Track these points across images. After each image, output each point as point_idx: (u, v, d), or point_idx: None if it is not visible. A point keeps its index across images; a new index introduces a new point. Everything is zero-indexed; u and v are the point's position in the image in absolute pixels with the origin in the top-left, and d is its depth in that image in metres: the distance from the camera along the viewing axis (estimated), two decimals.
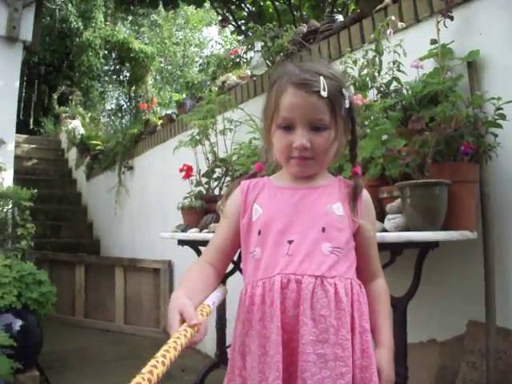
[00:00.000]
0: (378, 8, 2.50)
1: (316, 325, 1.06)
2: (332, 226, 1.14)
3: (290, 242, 1.12)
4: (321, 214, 1.15)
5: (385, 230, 1.69)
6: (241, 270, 2.38)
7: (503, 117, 1.70)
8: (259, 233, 1.16)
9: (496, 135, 1.75)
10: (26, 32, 4.88)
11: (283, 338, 1.06)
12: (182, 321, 0.93)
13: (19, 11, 4.76)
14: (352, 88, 2.10)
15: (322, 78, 1.11)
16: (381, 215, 1.74)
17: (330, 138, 1.14)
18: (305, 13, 7.12)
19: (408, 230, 1.62)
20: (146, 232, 5.18)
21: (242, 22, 7.68)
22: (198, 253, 2.62)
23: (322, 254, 1.11)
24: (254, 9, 7.44)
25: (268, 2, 7.42)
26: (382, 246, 1.54)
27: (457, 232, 1.61)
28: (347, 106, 1.16)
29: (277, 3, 7.20)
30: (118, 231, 6.02)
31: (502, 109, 1.71)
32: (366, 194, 1.25)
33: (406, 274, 1.78)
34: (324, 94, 1.10)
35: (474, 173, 1.74)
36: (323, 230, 1.13)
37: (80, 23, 12.19)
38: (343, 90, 1.16)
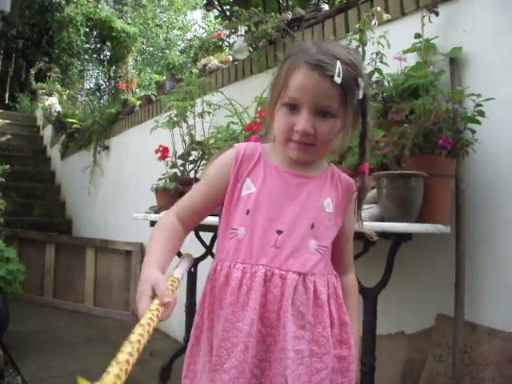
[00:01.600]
0: None
1: (294, 321, 1.05)
2: (321, 224, 1.12)
3: (279, 232, 1.08)
4: (312, 209, 1.12)
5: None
6: (213, 255, 2.39)
7: (482, 114, 1.71)
8: (247, 212, 1.10)
9: (474, 131, 1.76)
10: (4, 2, 4.75)
11: (261, 332, 1.05)
12: (153, 296, 0.89)
13: None
14: None
15: (338, 62, 1.02)
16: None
17: (335, 127, 1.07)
18: (290, 2, 7.10)
19: (382, 220, 1.63)
20: (120, 213, 5.13)
21: (227, 7, 7.62)
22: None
23: (308, 251, 1.09)
24: None
25: None
26: (356, 236, 1.54)
27: (431, 225, 1.62)
28: (360, 96, 1.08)
29: None
30: (91, 211, 5.95)
31: (481, 105, 1.72)
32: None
33: (378, 264, 1.78)
34: (338, 80, 1.01)
35: (450, 167, 1.75)
36: (312, 226, 1.10)
37: None
38: (359, 79, 1.07)
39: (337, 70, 1.02)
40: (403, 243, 1.78)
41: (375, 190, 1.67)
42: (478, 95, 1.71)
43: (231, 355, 1.03)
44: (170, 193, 2.68)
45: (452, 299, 1.87)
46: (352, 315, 1.19)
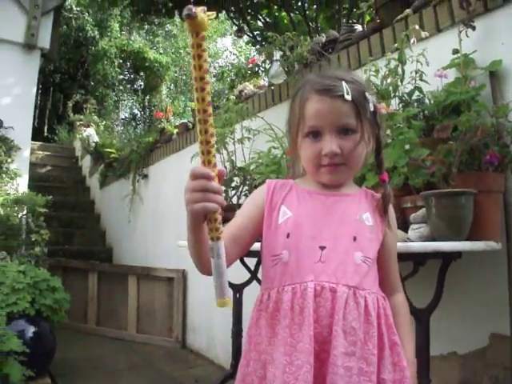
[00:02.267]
0: (398, 18, 2.49)
1: (346, 337, 1.03)
2: (363, 236, 1.13)
3: (322, 247, 1.09)
4: (352, 222, 1.14)
5: (408, 240, 1.66)
6: (258, 280, 2.38)
7: None
8: (288, 236, 1.12)
9: None
10: (44, 39, 4.95)
11: (315, 348, 1.03)
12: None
13: (38, 19, 4.84)
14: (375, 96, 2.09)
15: (343, 82, 1.10)
16: (403, 225, 1.73)
17: (358, 141, 1.12)
18: (319, 24, 7.15)
19: (432, 239, 1.60)
20: (160, 241, 5.18)
21: (257, 32, 7.73)
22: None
23: (354, 263, 1.09)
24: (269, 19, 7.48)
25: (283, 13, 7.46)
26: (406, 257, 1.53)
27: (482, 242, 1.59)
28: (372, 109, 1.14)
29: (292, 14, 7.23)
30: (131, 239, 6.02)
31: None
32: (390, 207, 1.23)
33: (428, 284, 1.76)
34: (348, 97, 1.08)
35: (499, 183, 1.72)
36: (354, 238, 1.11)
37: (96, 32, 12.33)
38: (366, 93, 1.13)
39: (344, 90, 1.09)
40: (453, 262, 1.76)
41: (424, 210, 1.65)
42: None
43: (299, 378, 1.01)
44: None
45: (506, 317, 1.82)
46: (404, 334, 1.18)
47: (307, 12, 7.25)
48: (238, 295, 2.68)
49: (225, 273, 0.91)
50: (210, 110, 0.82)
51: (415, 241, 1.63)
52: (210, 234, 0.89)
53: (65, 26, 11.37)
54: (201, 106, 0.81)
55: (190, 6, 0.75)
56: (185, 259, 4.18)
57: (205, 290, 3.89)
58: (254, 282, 2.62)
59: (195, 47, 0.78)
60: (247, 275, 2.67)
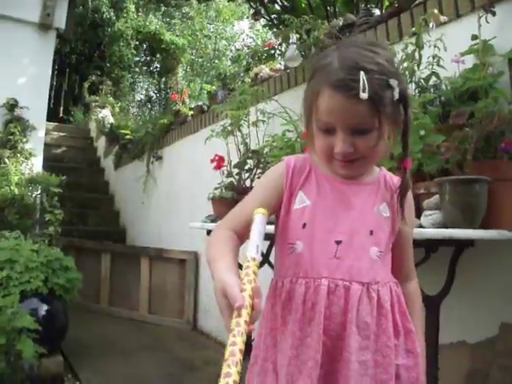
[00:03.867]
0: (417, 2, 2.46)
1: (359, 332, 1.03)
2: (380, 230, 1.11)
3: (338, 242, 1.06)
4: (370, 215, 1.11)
5: (421, 227, 1.65)
6: (270, 263, 2.38)
7: None
8: (304, 226, 1.09)
9: None
10: (60, 20, 4.96)
11: (326, 344, 1.03)
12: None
13: None
14: None
15: (362, 74, 0.96)
16: (417, 211, 1.71)
17: (375, 138, 1.03)
18: (337, 8, 7.06)
19: (445, 226, 1.59)
20: (173, 222, 5.21)
21: (275, 16, 7.66)
22: None
23: (370, 259, 1.08)
24: (286, 3, 7.41)
25: None
26: (418, 243, 1.52)
27: (496, 231, 1.57)
28: (396, 97, 1.01)
29: None
30: (145, 221, 6.06)
31: None
32: (409, 194, 1.18)
33: (440, 272, 1.75)
34: (364, 96, 0.96)
35: None
36: (371, 232, 1.09)
37: (112, 13, 12.29)
38: (390, 81, 1.00)
39: (361, 86, 0.96)
40: (465, 250, 1.75)
41: (437, 196, 1.64)
42: None
43: (303, 373, 1.02)
44: (227, 201, 2.70)
45: None
46: (416, 324, 1.16)
47: None
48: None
49: None
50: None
51: (428, 227, 1.62)
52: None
53: (81, 7, 11.35)
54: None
55: None
56: (198, 241, 4.21)
57: None
58: (266, 267, 2.62)
59: None
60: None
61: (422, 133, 1.79)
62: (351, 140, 1.02)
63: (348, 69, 1.00)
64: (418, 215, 1.69)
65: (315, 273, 1.06)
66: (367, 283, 1.05)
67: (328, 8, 6.95)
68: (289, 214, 1.12)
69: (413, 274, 1.26)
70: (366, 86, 0.96)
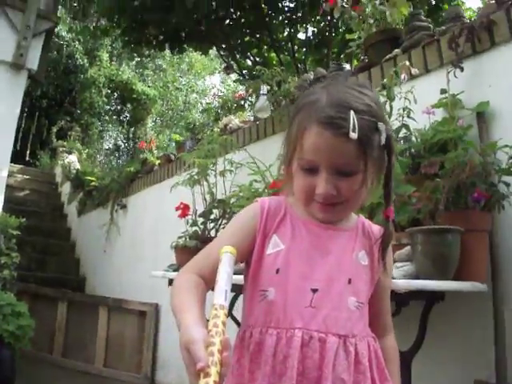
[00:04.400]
0: (387, 57, 2.50)
1: None
2: (358, 278, 1.03)
3: (314, 290, 0.98)
4: (348, 263, 1.03)
5: (392, 279, 1.60)
6: (233, 318, 2.27)
7: None
8: (277, 271, 1.00)
9: (508, 184, 1.69)
10: (33, 61, 4.92)
11: None
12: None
13: (28, 40, 4.82)
14: None
15: (352, 113, 0.93)
16: None
17: (359, 182, 0.98)
18: (308, 66, 7.24)
19: (417, 278, 1.54)
20: (135, 272, 5.04)
21: (246, 71, 7.80)
22: None
23: (348, 309, 0.99)
24: (258, 59, 7.57)
25: (272, 54, 7.56)
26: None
27: (469, 283, 1.53)
28: (383, 142, 0.97)
29: (281, 55, 7.33)
30: (106, 270, 5.87)
31: None
32: None
33: (410, 327, 1.69)
34: (354, 135, 0.92)
35: (486, 222, 1.68)
36: (349, 281, 1.01)
37: (85, 60, 12.34)
38: (379, 124, 0.97)
39: (351, 126, 0.92)
40: (436, 304, 1.70)
41: (409, 248, 1.59)
42: None
43: None
44: (190, 250, 2.61)
45: (491, 364, 1.75)
46: (394, 382, 1.06)
47: (296, 54, 7.36)
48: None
49: None
50: None
51: (399, 279, 1.56)
52: None
53: (55, 53, 11.38)
54: None
55: None
56: (159, 293, 4.06)
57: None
58: (229, 320, 2.51)
59: None
60: None
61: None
62: (334, 182, 0.97)
63: (337, 107, 0.96)
64: None
65: (288, 323, 0.96)
66: (344, 336, 0.97)
67: (299, 66, 7.13)
68: (261, 260, 1.04)
69: (390, 328, 1.17)
70: (356, 126, 0.92)
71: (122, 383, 4.33)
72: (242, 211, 1.14)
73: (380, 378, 1.00)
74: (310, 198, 1.01)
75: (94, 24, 7.77)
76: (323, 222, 1.04)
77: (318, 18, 7.01)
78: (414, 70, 2.08)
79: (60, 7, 8.01)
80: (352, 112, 0.93)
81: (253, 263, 1.04)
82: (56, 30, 10.54)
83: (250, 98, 4.41)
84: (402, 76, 1.98)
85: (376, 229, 1.12)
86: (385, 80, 2.06)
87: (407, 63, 2.06)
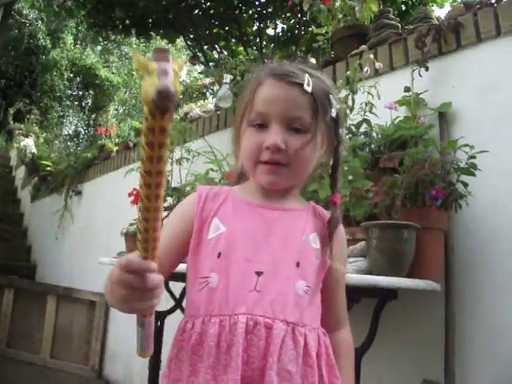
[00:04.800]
0: (352, 53, 2.47)
1: (280, 381, 0.86)
2: (308, 261, 0.96)
3: (259, 273, 0.91)
4: (296, 245, 0.97)
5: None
6: (183, 309, 2.21)
7: (475, 166, 1.63)
8: (219, 255, 0.93)
9: (466, 184, 1.68)
10: None
11: None
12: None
13: None
14: None
15: (307, 74, 0.95)
16: None
17: (308, 143, 0.95)
18: (276, 60, 7.21)
19: (370, 274, 1.50)
20: (87, 261, 4.90)
21: (212, 63, 7.71)
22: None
23: (296, 294, 0.92)
24: (225, 52, 7.48)
25: (240, 48, 7.49)
26: None
27: (423, 281, 1.50)
28: (333, 114, 0.98)
29: (249, 50, 7.27)
30: (58, 257, 5.70)
31: (475, 157, 1.64)
32: (341, 229, 1.08)
33: (362, 324, 1.65)
34: (308, 88, 0.93)
35: (443, 220, 1.66)
36: (298, 264, 0.94)
37: (48, 41, 12.01)
38: (331, 96, 0.99)
39: (306, 80, 0.94)
40: (388, 302, 1.67)
41: (363, 243, 1.55)
42: (472, 147, 1.65)
43: None
44: None
45: (439, 363, 1.73)
46: (346, 378, 1.01)
47: (264, 50, 7.30)
48: (159, 323, 2.48)
49: (152, 324, 0.77)
50: (162, 202, 0.62)
51: (352, 274, 1.52)
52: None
53: (16, 31, 11.03)
54: (152, 205, 0.62)
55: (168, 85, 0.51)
56: None
57: (128, 317, 3.66)
58: (178, 311, 2.45)
59: (157, 132, 0.55)
60: (171, 302, 2.49)
61: (351, 177, 1.74)
62: (284, 137, 0.94)
63: (293, 67, 0.98)
64: None
65: (231, 309, 0.89)
66: (293, 323, 0.90)
67: (266, 61, 7.08)
68: (200, 245, 0.97)
69: (345, 321, 1.11)
70: (311, 83, 0.94)
71: (69, 375, 4.19)
72: (182, 201, 1.10)
73: (329, 375, 0.94)
74: (256, 159, 0.97)
75: (56, 3, 7.52)
76: (269, 187, 1.00)
77: (288, 14, 6.99)
78: (379, 65, 2.06)
79: None
80: (307, 74, 0.96)
81: (190, 250, 0.98)
82: (17, 6, 10.24)
83: (212, 87, 4.32)
84: (366, 69, 1.95)
85: (328, 213, 1.07)
86: (348, 72, 2.02)
87: (372, 56, 2.03)
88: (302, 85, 0.94)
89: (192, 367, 0.89)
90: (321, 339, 0.95)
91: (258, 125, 0.97)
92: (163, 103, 0.51)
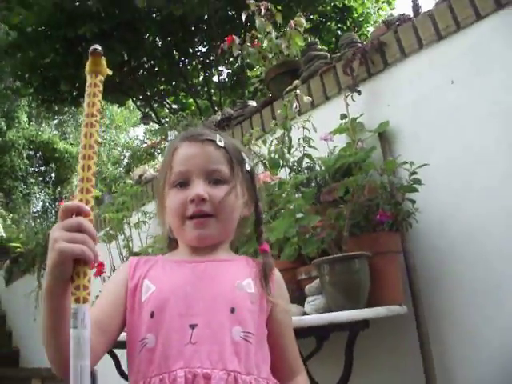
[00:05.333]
0: (287, 89, 2.48)
1: None
2: (243, 306, 0.95)
3: (193, 326, 0.90)
4: (228, 291, 0.96)
5: (306, 315, 1.52)
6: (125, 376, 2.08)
7: (418, 181, 1.64)
8: (152, 315, 0.93)
9: (414, 201, 1.68)
10: None
11: None
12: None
13: None
14: (261, 167, 2.02)
15: (217, 134, 1.05)
16: (301, 299, 1.59)
17: (230, 192, 1.01)
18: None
19: (330, 310, 1.46)
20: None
21: (166, 119, 7.76)
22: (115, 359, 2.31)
23: (232, 341, 0.90)
24: (176, 106, 7.54)
25: (190, 100, 7.56)
26: (306, 332, 1.38)
27: (384, 308, 1.47)
28: (248, 168, 1.06)
29: (198, 100, 7.34)
30: (38, 339, 5.48)
31: (416, 173, 1.65)
32: (278, 274, 1.08)
33: (337, 359, 1.61)
34: (221, 143, 1.02)
35: (394, 242, 1.65)
36: (232, 310, 0.93)
37: (3, 123, 11.97)
38: (242, 152, 1.07)
39: (217, 137, 1.03)
40: (360, 332, 1.63)
41: (318, 280, 1.52)
42: (411, 163, 1.65)
43: None
44: None
45: None
46: None
47: (214, 97, 7.39)
48: None
49: (87, 354, 0.70)
50: (96, 147, 0.77)
51: (311, 314, 1.48)
52: (76, 293, 0.71)
53: None
54: (87, 142, 0.76)
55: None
56: None
57: None
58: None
59: (92, 86, 0.79)
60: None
61: (299, 215, 1.72)
62: (207, 189, 0.99)
63: (202, 129, 1.09)
64: (303, 302, 1.57)
65: (169, 366, 0.88)
66: (234, 371, 0.87)
67: (216, 109, 7.14)
68: (134, 309, 0.96)
69: (299, 368, 1.08)
70: (222, 139, 1.03)
71: None
72: (116, 270, 1.12)
73: None
74: (183, 216, 1.00)
75: (3, 85, 7.55)
76: (198, 242, 1.02)
77: (231, 59, 7.10)
78: (307, 98, 2.08)
79: None
80: (217, 133, 1.06)
81: (128, 315, 0.97)
82: None
83: (159, 146, 4.33)
84: (294, 105, 1.96)
85: (260, 260, 1.07)
86: (278, 111, 2.03)
87: (298, 91, 2.04)
88: (214, 141, 1.02)
89: None
90: None
91: (179, 184, 1.02)
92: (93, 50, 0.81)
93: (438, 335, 1.74)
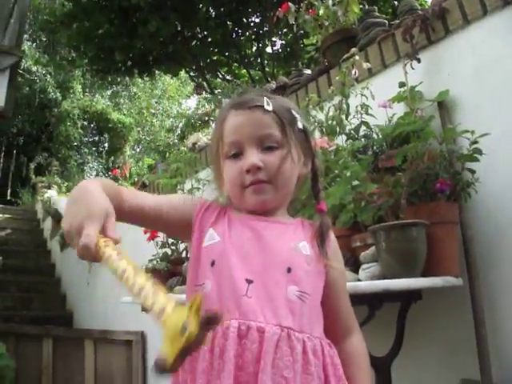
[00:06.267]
0: (344, 57, 2.44)
1: None
2: (299, 267, 0.95)
3: (249, 281, 0.91)
4: (285, 252, 0.97)
5: (359, 281, 1.51)
6: None
7: (479, 151, 1.58)
8: (212, 263, 0.95)
9: (474, 171, 1.63)
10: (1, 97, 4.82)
11: None
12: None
13: None
14: (318, 133, 2.00)
15: (265, 97, 1.02)
16: (355, 266, 1.58)
17: (284, 157, 0.99)
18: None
19: (384, 278, 1.45)
20: (118, 302, 4.91)
21: (218, 90, 7.77)
22: None
23: (287, 299, 0.91)
24: (229, 76, 7.53)
25: (243, 70, 7.54)
26: (358, 299, 1.37)
27: (440, 278, 1.45)
28: (300, 126, 1.04)
29: (252, 71, 7.31)
30: (91, 302, 5.74)
31: (477, 142, 1.59)
32: (332, 236, 1.08)
33: (387, 330, 1.60)
34: (269, 107, 0.99)
35: (453, 213, 1.60)
36: (289, 270, 0.94)
37: (58, 94, 12.29)
38: (292, 110, 1.04)
39: (264, 101, 1.00)
40: (413, 305, 1.61)
41: (374, 248, 1.51)
42: (472, 132, 1.60)
43: None
44: (161, 273, 2.51)
45: (475, 360, 1.64)
46: None
47: (266, 68, 7.34)
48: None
49: None
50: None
51: (366, 280, 1.48)
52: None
53: (27, 88, 11.31)
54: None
55: None
56: (143, 320, 3.94)
57: None
58: None
59: None
60: None
61: (355, 182, 1.70)
62: (260, 156, 0.99)
63: (249, 95, 1.06)
64: (357, 270, 1.56)
65: (223, 314, 0.89)
66: (288, 328, 0.89)
67: (269, 80, 7.10)
68: (196, 253, 1.00)
69: (354, 328, 1.08)
70: (270, 102, 1.00)
71: None
72: (189, 197, 1.15)
73: None
74: (241, 185, 1.00)
75: (60, 56, 7.72)
76: (257, 208, 1.02)
77: (285, 30, 7.02)
78: (366, 64, 2.03)
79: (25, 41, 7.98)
80: (264, 96, 1.02)
81: (190, 258, 1.02)
82: (26, 65, 10.53)
83: (213, 114, 4.34)
84: (354, 71, 1.92)
85: (316, 223, 1.07)
86: (337, 78, 2.00)
87: (357, 57, 2.00)
88: (262, 106, 1.00)
89: (191, 374, 0.89)
90: (325, 349, 0.93)
91: (233, 155, 1.01)
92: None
93: (493, 310, 1.69)
